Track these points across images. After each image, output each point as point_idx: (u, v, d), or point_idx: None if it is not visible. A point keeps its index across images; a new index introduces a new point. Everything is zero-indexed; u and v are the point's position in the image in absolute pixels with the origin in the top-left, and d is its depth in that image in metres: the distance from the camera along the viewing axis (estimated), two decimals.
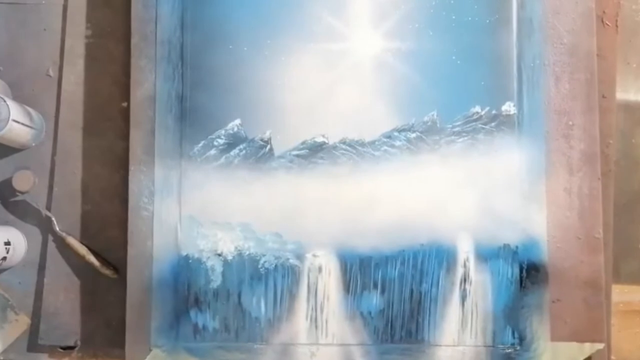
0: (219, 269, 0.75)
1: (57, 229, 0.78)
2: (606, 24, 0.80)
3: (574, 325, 0.76)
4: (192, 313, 0.74)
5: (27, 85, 0.81)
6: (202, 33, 0.76)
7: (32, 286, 0.80)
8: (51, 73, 0.81)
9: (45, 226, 0.80)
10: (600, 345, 0.76)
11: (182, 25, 0.76)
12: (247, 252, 0.75)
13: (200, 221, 0.75)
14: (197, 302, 0.75)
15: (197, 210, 0.75)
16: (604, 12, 0.80)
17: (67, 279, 0.79)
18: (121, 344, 0.76)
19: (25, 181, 0.78)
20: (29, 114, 0.77)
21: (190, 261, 0.75)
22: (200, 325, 0.74)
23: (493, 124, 0.76)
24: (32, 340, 0.79)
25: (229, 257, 0.75)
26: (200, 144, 0.76)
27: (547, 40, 0.77)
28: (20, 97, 0.80)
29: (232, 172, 0.75)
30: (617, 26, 0.80)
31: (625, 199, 0.81)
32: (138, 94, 0.76)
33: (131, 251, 0.75)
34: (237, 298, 0.75)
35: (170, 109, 0.76)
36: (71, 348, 0.79)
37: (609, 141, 0.79)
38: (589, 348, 0.76)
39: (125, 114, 0.77)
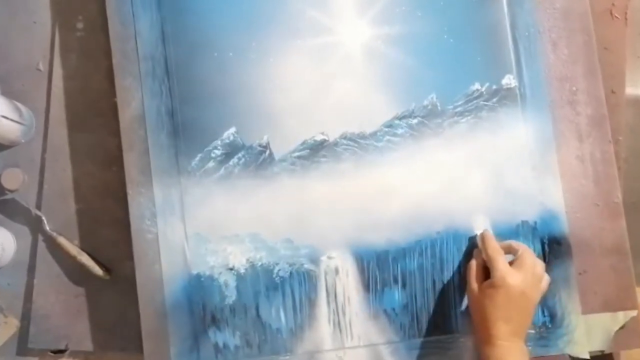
0: (232, 283, 0.72)
1: (48, 228, 0.75)
2: (615, 16, 0.77)
3: (604, 295, 0.74)
4: (211, 332, 0.72)
5: (16, 80, 0.78)
6: (185, 44, 0.74)
7: (21, 287, 0.77)
8: (41, 67, 0.78)
9: (35, 226, 0.77)
10: (633, 313, 0.73)
11: (163, 38, 0.74)
12: (260, 263, 0.72)
13: (208, 237, 0.72)
14: (214, 321, 0.72)
15: (203, 226, 0.72)
16: (612, 4, 0.77)
17: (58, 280, 0.76)
18: (114, 348, 0.74)
19: (14, 179, 0.76)
20: (18, 110, 0.74)
21: (202, 279, 0.72)
22: (220, 344, 0.72)
23: (495, 99, 0.74)
24: (22, 343, 0.77)
25: (242, 270, 0.72)
26: (197, 158, 0.73)
27: (539, 7, 0.75)
28: (9, 93, 0.77)
29: (234, 182, 0.73)
30: (626, 19, 0.77)
31: (634, 197, 0.78)
32: (127, 114, 0.74)
33: (140, 277, 0.72)
34: (255, 311, 0.72)
35: (162, 125, 0.73)
36: (62, 352, 0.76)
37: (618, 137, 0.77)
38: (622, 317, 0.73)
39: (117, 110, 0.74)
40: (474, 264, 0.70)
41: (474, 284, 0.69)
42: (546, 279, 0.69)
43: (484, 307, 0.67)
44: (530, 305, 0.67)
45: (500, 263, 0.67)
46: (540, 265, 0.68)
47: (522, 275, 0.66)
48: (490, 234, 0.71)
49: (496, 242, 0.70)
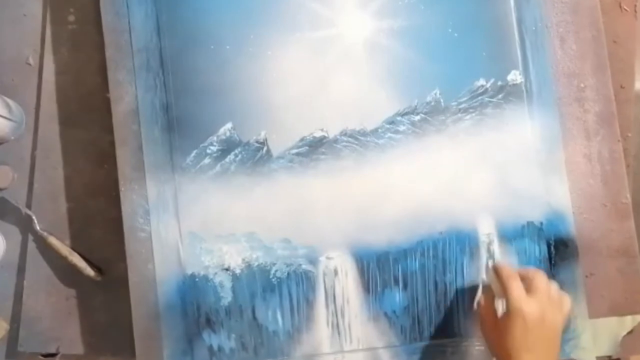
0: (228, 284, 0.70)
1: (38, 228, 0.73)
2: (624, 9, 0.75)
3: (612, 298, 0.72)
4: (205, 335, 0.70)
5: (5, 74, 0.76)
6: (180, 36, 0.72)
7: (11, 289, 0.75)
8: (31, 61, 0.76)
9: (25, 225, 0.75)
10: None
11: (158, 31, 0.72)
12: (256, 263, 0.70)
13: (203, 236, 0.70)
14: (209, 323, 0.70)
15: (198, 224, 0.70)
16: None
17: (49, 282, 0.74)
18: (106, 351, 0.73)
19: (3, 177, 0.74)
20: (7, 106, 0.72)
21: (196, 280, 0.70)
22: (215, 347, 0.70)
23: (500, 95, 0.71)
24: (11, 347, 0.75)
25: (238, 271, 0.70)
26: (193, 154, 0.71)
27: (546, 0, 0.73)
28: None
29: (230, 179, 0.71)
30: (635, 12, 0.75)
31: None
32: (120, 109, 0.72)
33: (132, 277, 0.70)
34: (251, 313, 0.70)
35: (156, 120, 0.71)
36: (53, 355, 0.74)
37: (627, 134, 0.74)
38: (630, 321, 0.71)
39: (110, 106, 0.72)
40: (483, 300, 0.68)
41: (488, 321, 0.66)
42: (567, 301, 0.65)
43: (504, 341, 0.62)
44: (552, 332, 0.63)
45: (516, 290, 0.62)
46: (554, 287, 0.65)
47: (537, 301, 0.62)
48: (501, 262, 0.69)
49: (509, 268, 0.66)
